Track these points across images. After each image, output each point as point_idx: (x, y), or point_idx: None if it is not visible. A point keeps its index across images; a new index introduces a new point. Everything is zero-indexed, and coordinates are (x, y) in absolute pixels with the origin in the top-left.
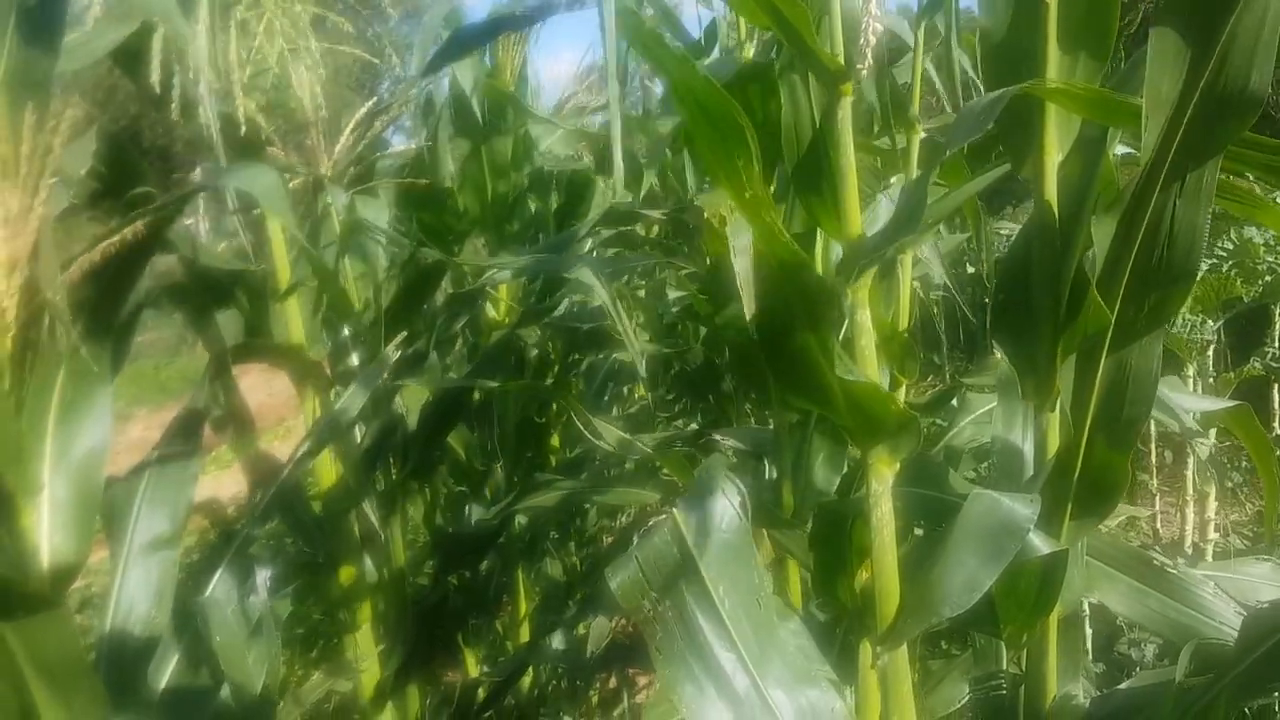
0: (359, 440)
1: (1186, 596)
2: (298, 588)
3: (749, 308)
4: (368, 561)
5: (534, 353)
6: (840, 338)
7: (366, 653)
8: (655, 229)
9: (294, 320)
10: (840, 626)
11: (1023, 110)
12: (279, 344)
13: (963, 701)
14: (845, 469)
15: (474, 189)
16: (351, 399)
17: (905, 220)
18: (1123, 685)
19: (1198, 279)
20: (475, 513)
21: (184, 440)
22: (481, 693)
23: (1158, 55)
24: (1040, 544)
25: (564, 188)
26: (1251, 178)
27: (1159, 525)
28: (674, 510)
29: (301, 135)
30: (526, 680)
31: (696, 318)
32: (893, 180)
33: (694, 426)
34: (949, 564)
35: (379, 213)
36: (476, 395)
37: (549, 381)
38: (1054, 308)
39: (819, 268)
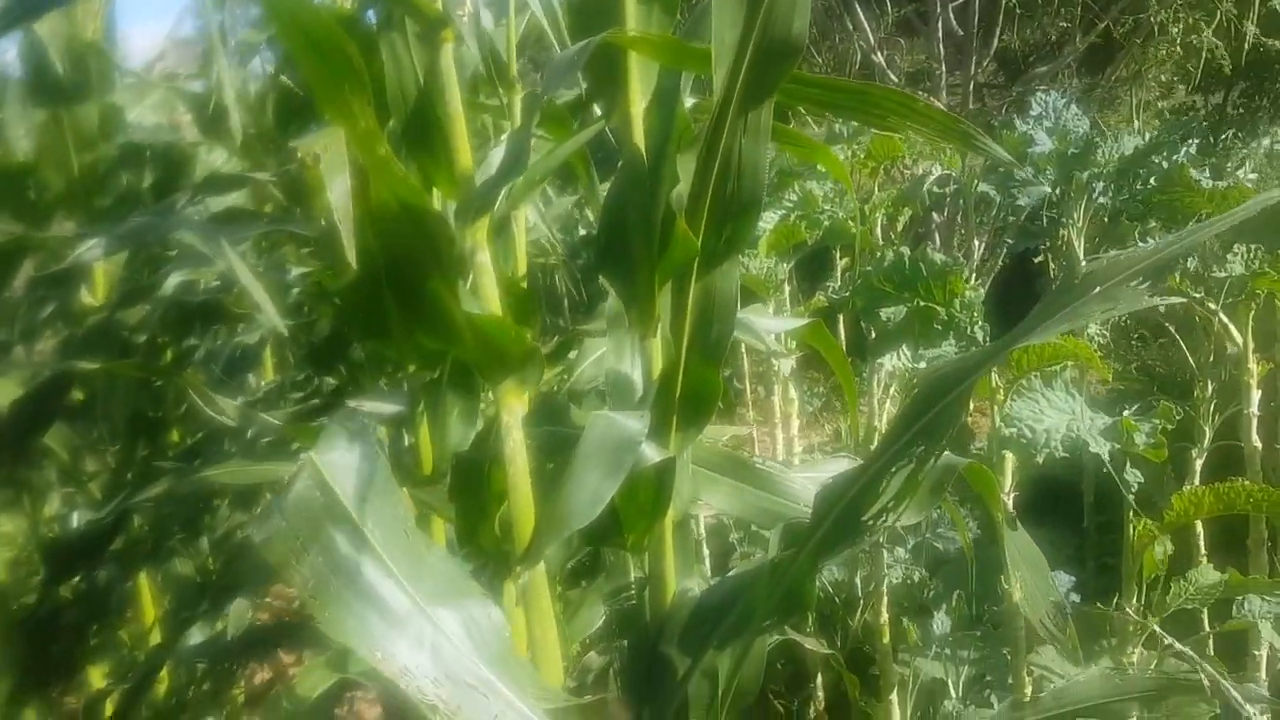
0: None
1: (777, 488)
2: None
3: (350, 247)
4: None
5: (141, 339)
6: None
7: None
8: (269, 205)
9: None
10: (486, 573)
11: (609, 64)
12: None
13: (601, 621)
14: (480, 424)
15: (56, 162)
16: None
17: (511, 164)
18: (730, 573)
19: (771, 228)
20: (86, 517)
21: None
22: (109, 706)
23: (720, 6)
24: (652, 453)
25: (160, 160)
26: (804, 110)
27: (756, 450)
28: (311, 455)
29: None
30: (162, 688)
31: (322, 292)
32: (503, 137)
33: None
34: (576, 481)
35: None
36: (80, 392)
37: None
38: (648, 243)
39: None
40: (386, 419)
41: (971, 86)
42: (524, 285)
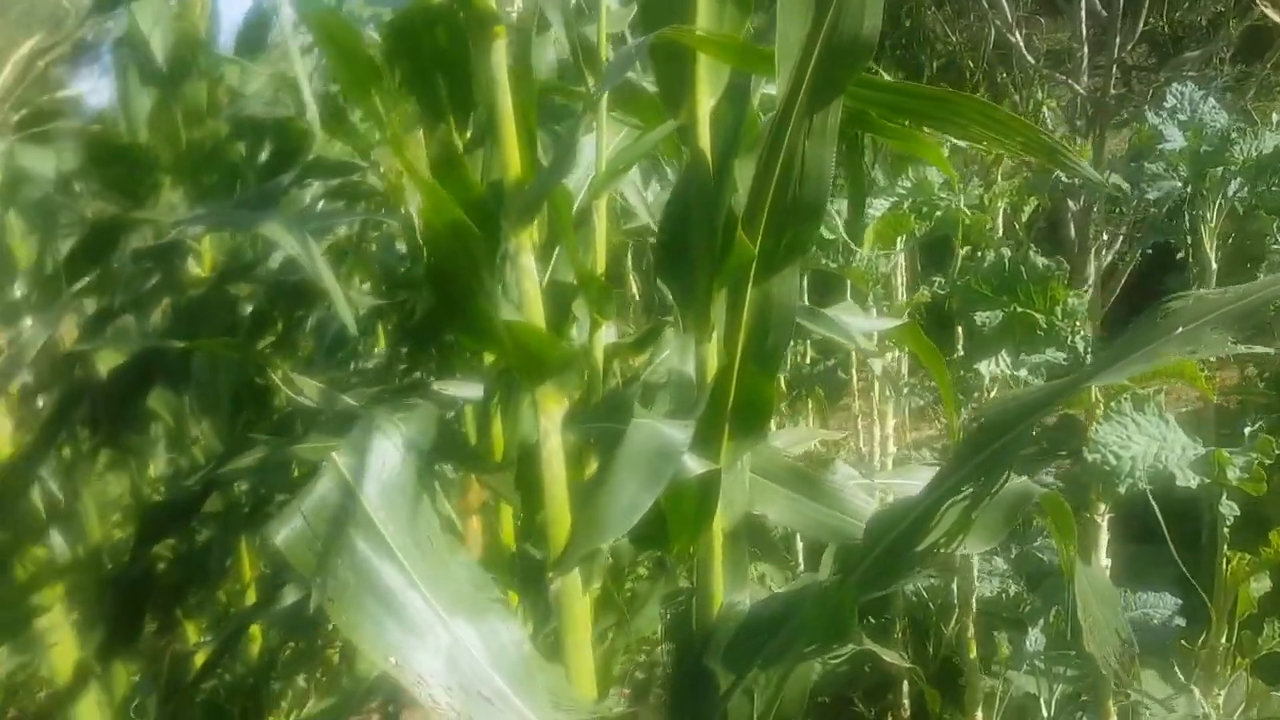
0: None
1: (838, 503)
2: None
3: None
4: (57, 538)
5: (248, 309)
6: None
7: (60, 633)
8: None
9: None
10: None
11: (676, 61)
12: None
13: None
14: None
15: (166, 138)
16: (18, 353)
17: (558, 167)
18: (781, 589)
19: (880, 216)
20: (189, 483)
21: None
22: (198, 661)
23: (785, 7)
24: (694, 464)
25: (273, 136)
26: (875, 114)
27: (861, 443)
28: (334, 457)
29: None
30: (256, 647)
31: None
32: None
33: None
34: (613, 489)
35: (46, 162)
36: (187, 360)
37: (270, 341)
38: (709, 244)
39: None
40: (465, 404)
41: (1115, 69)
42: (602, 281)
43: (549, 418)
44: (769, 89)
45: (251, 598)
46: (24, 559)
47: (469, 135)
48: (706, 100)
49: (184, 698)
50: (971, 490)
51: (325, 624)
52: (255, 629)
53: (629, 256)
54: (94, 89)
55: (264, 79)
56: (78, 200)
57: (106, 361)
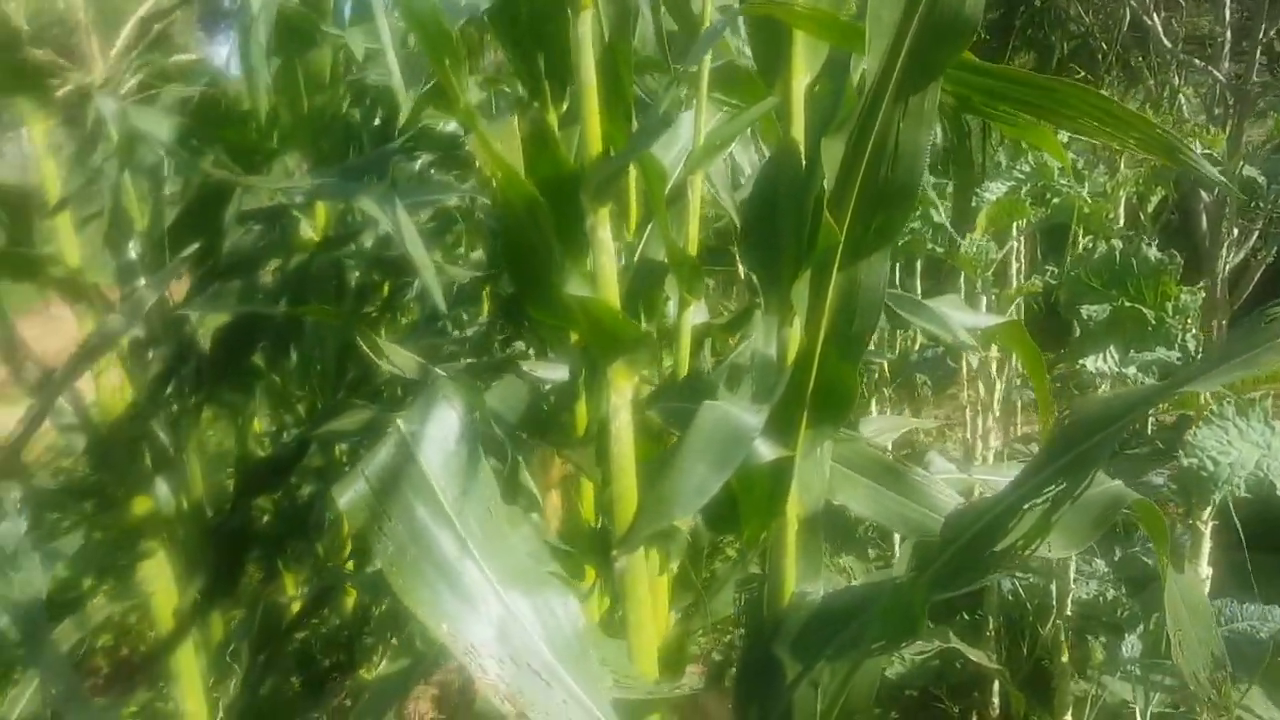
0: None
1: (921, 496)
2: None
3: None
4: (163, 488)
5: (355, 275)
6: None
7: (162, 580)
8: None
9: (68, 240)
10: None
11: (772, 35)
12: (34, 254)
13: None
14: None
15: (288, 104)
16: (123, 314)
17: (639, 141)
18: (856, 582)
19: (994, 201)
20: (292, 438)
21: None
22: (291, 612)
23: None
24: (766, 450)
25: (387, 104)
26: (975, 100)
27: (968, 435)
28: (399, 424)
29: (73, 36)
30: (350, 602)
31: None
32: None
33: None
34: (681, 470)
35: (161, 124)
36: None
37: (375, 306)
38: (796, 226)
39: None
40: (554, 380)
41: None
42: (694, 259)
43: (619, 394)
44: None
45: (348, 553)
46: (132, 507)
47: (565, 110)
48: (802, 77)
49: (277, 646)
50: (1055, 491)
51: None
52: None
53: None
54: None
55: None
56: (194, 162)
57: (215, 321)
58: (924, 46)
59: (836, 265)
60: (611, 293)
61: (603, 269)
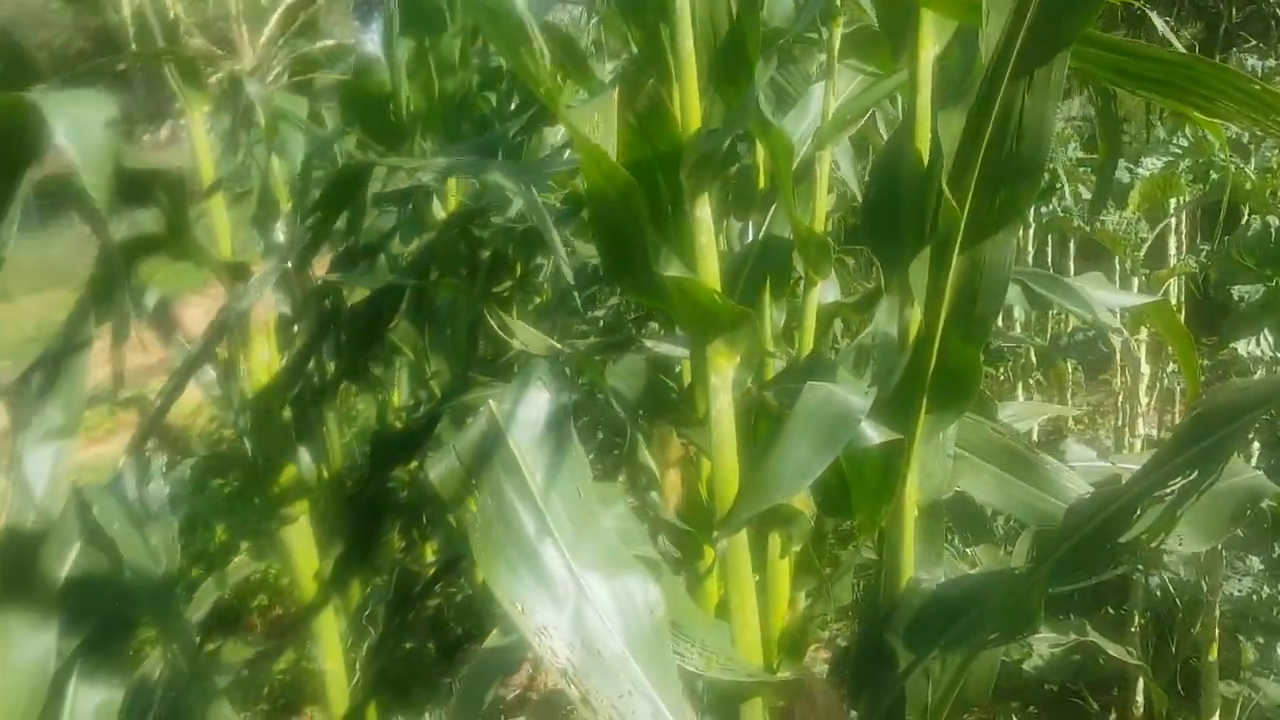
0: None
1: (1048, 484)
2: (240, 484)
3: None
4: (305, 458)
5: (486, 254)
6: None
7: (303, 545)
8: None
9: (220, 221)
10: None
11: (901, 2)
12: (192, 239)
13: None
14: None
15: (421, 87)
16: (256, 285)
17: (739, 116)
18: (974, 570)
19: (1147, 176)
20: (427, 411)
21: (75, 335)
22: (423, 578)
23: None
24: (873, 433)
25: (520, 86)
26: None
27: (1119, 422)
28: (491, 403)
29: (226, 25)
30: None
31: None
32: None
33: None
34: (784, 451)
35: (304, 109)
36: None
37: (508, 284)
38: (919, 205)
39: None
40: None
41: None
42: (822, 238)
43: (719, 375)
44: None
45: None
46: (277, 475)
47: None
48: (930, 47)
49: (411, 611)
50: (1184, 482)
51: None
52: None
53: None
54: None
55: None
56: (338, 144)
57: (354, 296)
58: (1048, 16)
59: (958, 245)
60: (711, 272)
61: (701, 248)
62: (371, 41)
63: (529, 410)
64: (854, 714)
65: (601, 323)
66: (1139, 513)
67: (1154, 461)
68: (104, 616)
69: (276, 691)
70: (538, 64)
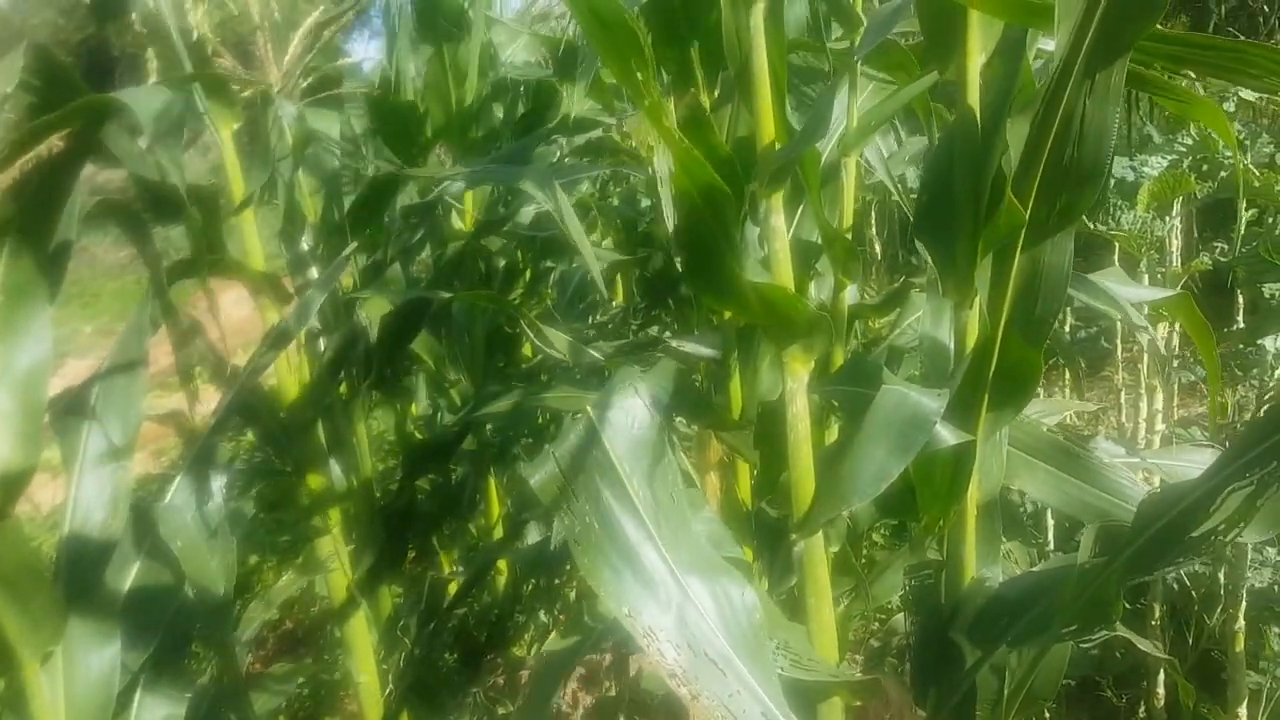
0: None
1: (1103, 482)
2: (270, 496)
3: (670, 222)
4: (335, 469)
5: (501, 262)
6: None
7: (336, 555)
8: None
9: (250, 234)
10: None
11: (946, 13)
12: (229, 257)
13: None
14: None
15: (438, 97)
16: (305, 305)
17: (813, 128)
18: (1035, 568)
19: (1156, 176)
20: (447, 422)
21: (131, 354)
22: (451, 589)
23: None
24: (947, 435)
25: (530, 96)
26: (1159, 68)
27: (1124, 418)
28: (589, 410)
29: (252, 44)
30: (503, 580)
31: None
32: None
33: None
34: (860, 455)
35: (331, 124)
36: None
37: (519, 291)
38: (974, 207)
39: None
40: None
41: None
42: (848, 240)
43: (795, 379)
44: (1045, 44)
45: (499, 533)
46: (308, 487)
47: (716, 96)
48: (978, 57)
49: (441, 621)
50: (1257, 477)
51: (564, 563)
52: (503, 563)
53: (873, 215)
54: (365, 54)
55: (522, 40)
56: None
57: (378, 309)
58: (1114, 23)
59: (1020, 246)
60: (786, 278)
61: (777, 254)
62: (364, 55)
63: (622, 416)
64: (922, 714)
65: (606, 328)
66: (1218, 504)
67: (1227, 455)
68: (167, 631)
69: (295, 704)
70: (648, 75)
